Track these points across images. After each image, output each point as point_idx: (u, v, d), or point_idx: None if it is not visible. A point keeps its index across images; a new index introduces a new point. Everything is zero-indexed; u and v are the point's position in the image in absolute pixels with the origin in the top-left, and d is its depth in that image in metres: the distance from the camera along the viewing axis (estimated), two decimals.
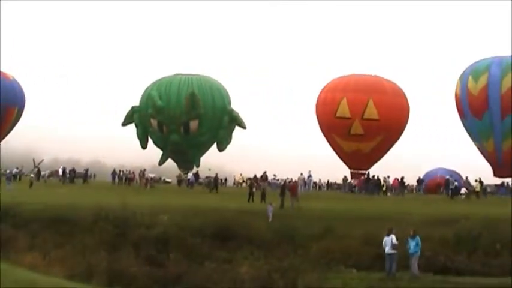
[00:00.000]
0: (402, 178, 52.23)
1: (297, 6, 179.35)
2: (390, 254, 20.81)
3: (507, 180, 54.64)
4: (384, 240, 21.04)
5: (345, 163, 54.92)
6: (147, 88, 48.75)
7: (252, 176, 50.36)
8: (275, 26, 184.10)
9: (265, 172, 51.36)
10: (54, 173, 62.72)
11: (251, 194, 37.05)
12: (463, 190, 47.00)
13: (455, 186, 47.86)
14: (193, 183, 53.00)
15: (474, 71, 50.90)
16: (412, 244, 20.92)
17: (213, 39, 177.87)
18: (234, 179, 63.67)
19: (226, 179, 70.97)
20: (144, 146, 49.30)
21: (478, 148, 52.52)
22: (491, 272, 21.87)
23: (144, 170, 55.54)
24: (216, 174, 50.81)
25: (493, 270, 22.06)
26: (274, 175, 54.53)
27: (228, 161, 73.17)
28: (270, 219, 26.98)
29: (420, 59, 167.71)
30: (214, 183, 47.96)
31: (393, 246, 20.81)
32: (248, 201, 35.74)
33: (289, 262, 21.28)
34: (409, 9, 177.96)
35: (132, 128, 49.24)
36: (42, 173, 59.77)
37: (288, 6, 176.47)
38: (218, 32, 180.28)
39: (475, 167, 55.00)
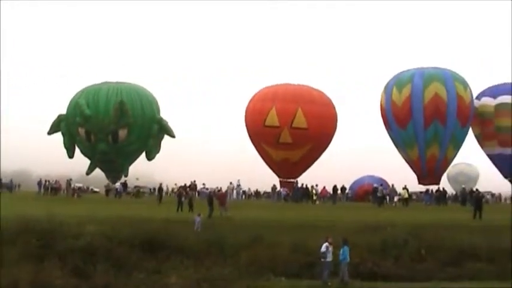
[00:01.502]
0: (335, 186, 53.04)
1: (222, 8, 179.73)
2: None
3: (431, 187, 56.20)
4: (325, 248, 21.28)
5: (274, 172, 55.32)
6: (75, 96, 47.80)
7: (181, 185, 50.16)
8: (206, 33, 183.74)
9: (193, 181, 51.24)
10: None
11: (180, 203, 36.83)
12: (396, 198, 48.16)
13: (383, 193, 48.94)
14: (121, 192, 52.34)
15: (398, 82, 52.42)
16: (341, 251, 21.20)
17: (141, 47, 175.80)
18: (167, 188, 63.22)
19: (155, 189, 70.45)
20: (71, 155, 48.30)
21: (403, 157, 53.91)
22: (417, 277, 22.44)
23: (70, 179, 54.55)
24: (160, 184, 50.33)
25: (419, 275, 22.63)
26: (204, 184, 54.40)
27: (157, 170, 72.53)
28: (198, 230, 26.68)
29: (348, 68, 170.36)
30: (159, 193, 47.41)
31: (321, 253, 21.12)
32: (177, 211, 35.50)
33: (219, 271, 21.24)
34: (338, 19, 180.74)
35: (58, 136, 48.19)
36: None
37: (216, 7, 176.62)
38: (144, 38, 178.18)
39: (400, 175, 56.23)
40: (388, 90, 53.47)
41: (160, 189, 48.81)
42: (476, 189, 46.69)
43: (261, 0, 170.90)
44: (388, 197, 49.51)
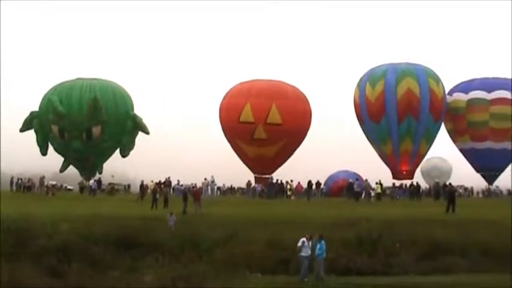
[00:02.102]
0: (310, 182, 53.16)
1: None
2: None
3: (405, 182, 56.64)
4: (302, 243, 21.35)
5: (249, 168, 55.27)
6: (47, 93, 47.23)
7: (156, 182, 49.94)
8: (180, 29, 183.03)
9: (168, 178, 51.07)
10: None
11: (154, 200, 36.73)
12: (373, 193, 48.43)
13: (361, 188, 49.20)
14: (95, 190, 51.97)
15: (371, 78, 52.79)
16: (317, 247, 21.26)
17: (114, 42, 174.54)
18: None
19: (129, 186, 70.10)
20: (43, 152, 47.77)
21: (377, 152, 54.30)
22: (391, 271, 22.66)
23: (43, 177, 54.01)
24: (142, 181, 49.98)
25: (393, 269, 22.87)
26: (178, 180, 54.26)
27: (132, 167, 72.11)
28: (172, 229, 26.51)
29: (322, 63, 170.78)
30: (141, 190, 47.12)
31: (297, 248, 21.26)
32: (152, 208, 35.40)
33: (194, 268, 21.26)
34: (311, 15, 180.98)
35: (31, 134, 47.66)
36: None
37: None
38: (118, 33, 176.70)
39: (375, 170, 56.54)
40: (361, 85, 53.81)
41: (142, 186, 48.54)
42: (449, 184, 47.09)
43: None
44: (364, 192, 49.63)
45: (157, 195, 38.19)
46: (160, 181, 50.24)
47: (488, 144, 55.13)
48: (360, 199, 47.00)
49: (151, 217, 28.94)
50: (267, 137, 51.44)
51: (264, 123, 51.28)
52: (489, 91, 55.14)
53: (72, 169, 49.57)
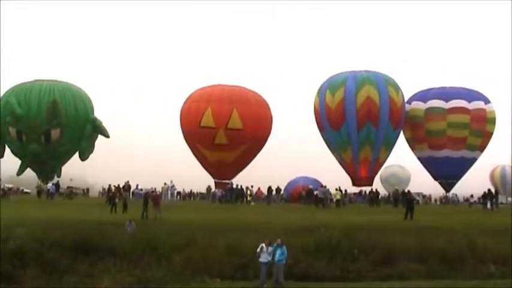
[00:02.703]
0: (270, 187, 53.36)
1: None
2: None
3: (364, 188, 57.21)
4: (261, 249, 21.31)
5: (209, 173, 55.18)
6: (4, 94, 46.50)
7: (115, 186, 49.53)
8: (141, 32, 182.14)
9: (127, 182, 50.68)
10: None
11: (113, 204, 36.45)
12: (335, 198, 48.65)
13: (317, 194, 49.40)
14: (53, 194, 51.28)
15: (331, 85, 53.17)
16: (278, 253, 21.25)
17: (74, 44, 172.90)
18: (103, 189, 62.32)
19: (88, 189, 69.50)
20: (0, 155, 47.11)
21: (337, 159, 54.66)
22: (350, 277, 22.79)
23: None
24: (109, 185, 49.32)
25: (351, 275, 22.99)
26: (137, 185, 53.90)
27: (91, 171, 71.41)
28: (128, 235, 25.92)
29: (284, 69, 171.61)
30: (109, 194, 46.38)
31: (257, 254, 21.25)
32: (111, 212, 35.08)
33: (152, 274, 21.09)
34: (273, 21, 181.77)
35: None
36: None
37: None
38: (78, 36, 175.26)
39: (335, 176, 56.90)
40: (321, 93, 54.13)
41: (109, 190, 48.04)
42: (408, 191, 47.68)
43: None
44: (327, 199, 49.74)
45: (116, 200, 37.92)
46: (119, 185, 49.81)
47: (445, 152, 55.96)
48: (324, 205, 47.20)
49: (110, 222, 28.61)
50: (228, 142, 51.44)
51: (225, 129, 51.27)
52: (446, 100, 56.00)
53: (29, 172, 48.87)
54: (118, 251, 23.01)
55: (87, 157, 47.96)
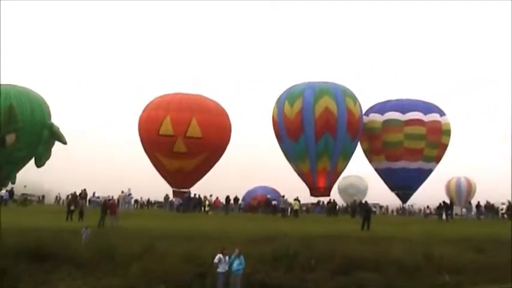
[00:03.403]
0: (228, 197, 53.31)
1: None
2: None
3: (322, 199, 57.55)
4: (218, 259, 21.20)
5: (168, 181, 54.96)
6: None
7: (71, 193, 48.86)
8: (100, 36, 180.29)
9: (84, 189, 50.06)
10: None
11: (69, 212, 35.96)
12: (294, 208, 48.74)
13: (275, 204, 49.54)
14: (7, 200, 50.35)
15: (289, 96, 53.52)
16: (235, 263, 21.18)
17: (31, 48, 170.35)
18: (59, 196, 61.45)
19: (43, 196, 68.45)
20: None
21: (295, 169, 54.87)
22: (307, 287, 22.80)
23: None
24: (74, 192, 48.45)
25: (309, 284, 22.99)
26: (94, 193, 53.32)
27: (47, 178, 70.32)
28: (83, 243, 25.27)
29: (243, 79, 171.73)
30: (67, 203, 45.38)
31: (214, 264, 21.11)
32: (67, 220, 34.60)
33: (108, 282, 20.83)
34: (233, 31, 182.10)
35: None
36: None
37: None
38: (35, 40, 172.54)
39: (293, 186, 57.10)
40: (280, 103, 54.39)
41: (75, 196, 47.27)
42: (365, 201, 48.12)
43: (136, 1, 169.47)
44: (288, 208, 49.75)
45: (72, 207, 37.42)
46: (75, 192, 49.15)
47: (402, 163, 56.66)
48: (278, 214, 47.28)
49: (66, 229, 28.18)
50: (187, 150, 51.33)
51: (184, 137, 51.18)
52: (403, 112, 56.81)
53: None
54: (74, 259, 22.67)
55: (44, 163, 47.19)
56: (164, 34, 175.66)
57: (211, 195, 54.57)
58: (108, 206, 34.34)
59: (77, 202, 41.95)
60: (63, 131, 47.37)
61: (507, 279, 22.91)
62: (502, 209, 55.94)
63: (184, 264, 23.07)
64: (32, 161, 46.70)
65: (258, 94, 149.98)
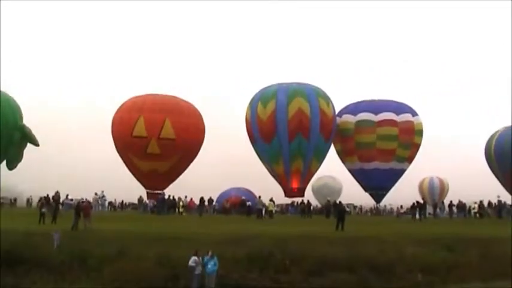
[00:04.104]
0: (202, 198, 53.21)
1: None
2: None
3: (296, 199, 57.65)
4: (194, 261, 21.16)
5: (141, 183, 54.62)
6: None
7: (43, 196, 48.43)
8: (74, 36, 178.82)
9: (57, 192, 49.62)
10: None
11: (42, 215, 35.60)
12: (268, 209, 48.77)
13: (249, 205, 49.55)
14: None
15: (263, 97, 53.49)
16: (210, 263, 21.18)
17: (6, 49, 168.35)
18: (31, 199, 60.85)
19: (16, 199, 67.68)
20: None
21: (269, 171, 54.87)
22: None
23: None
24: (56, 192, 48.01)
25: (283, 286, 23.06)
26: (67, 195, 52.86)
27: (19, 181, 69.54)
28: (54, 247, 24.86)
29: (216, 80, 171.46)
30: (39, 206, 44.99)
31: (189, 267, 21.07)
32: (39, 223, 34.27)
33: (81, 286, 20.69)
34: (206, 32, 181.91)
35: None
36: None
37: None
38: (7, 39, 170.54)
39: (267, 187, 57.12)
40: (253, 105, 54.37)
41: (48, 200, 46.84)
42: (340, 202, 48.32)
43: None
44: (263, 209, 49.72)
45: (44, 210, 37.04)
46: (47, 195, 48.70)
47: (375, 164, 56.95)
48: (252, 216, 47.31)
49: (38, 233, 27.91)
50: (160, 151, 51.10)
51: (158, 138, 50.96)
52: (376, 113, 57.04)
53: None
54: (46, 263, 22.49)
55: (15, 166, 46.47)
56: (137, 35, 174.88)
57: (185, 197, 54.43)
58: (81, 209, 34.06)
59: (50, 205, 41.64)
60: (35, 133, 46.88)
61: (477, 277, 23.19)
62: (474, 208, 56.44)
63: (158, 266, 23.01)
64: (4, 163, 46.16)
65: (233, 95, 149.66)
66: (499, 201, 56.44)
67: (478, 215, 54.88)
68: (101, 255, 23.40)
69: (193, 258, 21.10)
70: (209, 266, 21.13)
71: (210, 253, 21.44)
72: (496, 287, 20.68)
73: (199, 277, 21.09)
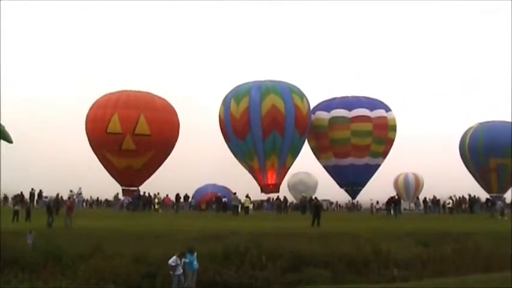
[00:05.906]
0: (177, 195, 53.08)
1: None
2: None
3: (272, 195, 57.76)
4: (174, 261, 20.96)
5: (117, 180, 54.34)
6: None
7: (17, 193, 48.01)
8: (52, 35, 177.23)
9: (32, 189, 49.28)
10: None
11: (15, 212, 35.28)
12: (251, 206, 48.83)
13: (225, 201, 49.55)
14: None
15: (236, 95, 53.48)
16: (195, 261, 21.01)
17: None
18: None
19: None
20: None
21: (244, 167, 54.86)
22: (258, 284, 22.85)
23: None
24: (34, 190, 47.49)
25: (259, 281, 23.04)
26: (41, 191, 52.33)
27: None
28: (29, 247, 24.49)
29: (190, 77, 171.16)
30: (13, 203, 44.47)
31: (171, 267, 20.82)
32: (13, 221, 33.96)
33: (56, 284, 20.51)
34: (181, 29, 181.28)
35: None
36: None
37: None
38: None
39: (243, 184, 57.04)
40: (226, 103, 54.30)
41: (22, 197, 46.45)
42: (315, 198, 48.43)
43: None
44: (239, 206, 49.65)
45: (17, 207, 36.70)
46: (21, 192, 48.29)
47: (350, 160, 57.21)
48: (228, 212, 47.30)
49: (11, 231, 27.63)
50: (135, 148, 50.92)
51: (132, 134, 50.76)
52: (350, 109, 57.28)
53: None
54: (19, 261, 22.28)
55: None
56: (112, 32, 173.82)
57: (160, 193, 54.27)
58: (66, 206, 33.74)
59: (24, 202, 41.29)
60: (9, 129, 46.39)
61: (452, 271, 23.39)
62: (448, 203, 56.99)
63: (134, 263, 22.87)
64: None
65: (208, 91, 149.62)
66: (470, 197, 57.16)
67: (452, 210, 55.45)
68: (76, 253, 23.23)
69: (174, 257, 20.80)
70: (195, 263, 20.79)
71: (188, 249, 21.09)
72: (470, 280, 20.83)
73: (180, 277, 20.85)
